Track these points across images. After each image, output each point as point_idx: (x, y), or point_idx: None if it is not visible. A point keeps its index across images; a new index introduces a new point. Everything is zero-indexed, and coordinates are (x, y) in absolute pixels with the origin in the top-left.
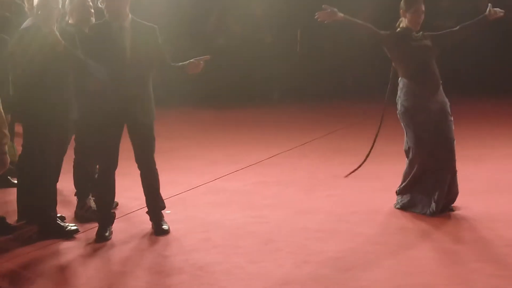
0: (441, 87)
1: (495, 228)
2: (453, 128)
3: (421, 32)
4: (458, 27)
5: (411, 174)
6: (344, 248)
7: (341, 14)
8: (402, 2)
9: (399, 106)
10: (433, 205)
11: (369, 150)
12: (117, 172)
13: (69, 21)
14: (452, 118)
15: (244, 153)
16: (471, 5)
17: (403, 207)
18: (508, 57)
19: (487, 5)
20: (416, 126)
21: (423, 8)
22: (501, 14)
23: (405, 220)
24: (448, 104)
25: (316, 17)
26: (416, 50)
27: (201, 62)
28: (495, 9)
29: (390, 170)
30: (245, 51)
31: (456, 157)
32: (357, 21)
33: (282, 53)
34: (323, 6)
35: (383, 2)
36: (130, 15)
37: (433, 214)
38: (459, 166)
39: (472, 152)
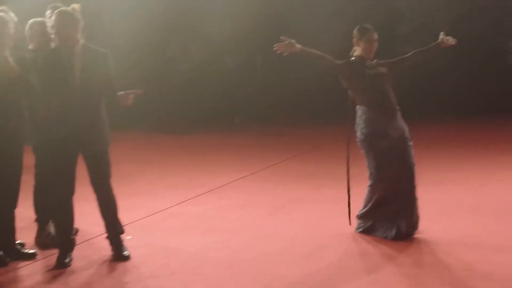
0: (399, 113)
1: (454, 252)
2: (413, 153)
3: (375, 60)
4: (411, 53)
5: (373, 199)
6: (307, 272)
7: (299, 46)
8: (355, 31)
9: (358, 134)
10: (395, 230)
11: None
12: (77, 198)
13: (29, 47)
14: (411, 143)
15: (206, 177)
16: (429, 32)
17: (364, 232)
18: (465, 81)
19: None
20: (377, 153)
21: (376, 36)
22: (453, 43)
23: (367, 244)
24: (407, 129)
25: (274, 49)
26: (372, 78)
27: (131, 95)
28: (447, 37)
29: (352, 194)
30: (208, 76)
31: (416, 183)
32: (315, 52)
33: (245, 78)
34: (281, 37)
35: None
36: (81, 41)
37: (393, 239)
38: (422, 188)
39: (431, 176)
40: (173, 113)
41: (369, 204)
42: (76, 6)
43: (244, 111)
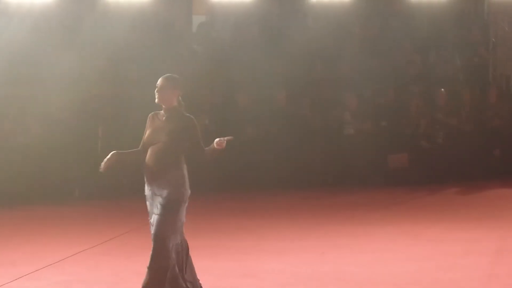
0: (167, 178)
1: None
2: (164, 222)
3: (174, 113)
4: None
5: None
6: None
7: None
8: None
9: None
10: None
11: None
12: None
13: None
14: (164, 213)
15: (45, 251)
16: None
17: None
18: (303, 153)
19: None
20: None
21: (161, 83)
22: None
23: None
24: (167, 197)
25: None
26: (151, 132)
27: None
28: (222, 139)
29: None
30: (44, 150)
31: (168, 253)
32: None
33: (85, 148)
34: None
35: None
36: None
37: None
38: (262, 258)
39: (271, 244)
40: (10, 186)
41: None
42: None
43: (84, 184)
